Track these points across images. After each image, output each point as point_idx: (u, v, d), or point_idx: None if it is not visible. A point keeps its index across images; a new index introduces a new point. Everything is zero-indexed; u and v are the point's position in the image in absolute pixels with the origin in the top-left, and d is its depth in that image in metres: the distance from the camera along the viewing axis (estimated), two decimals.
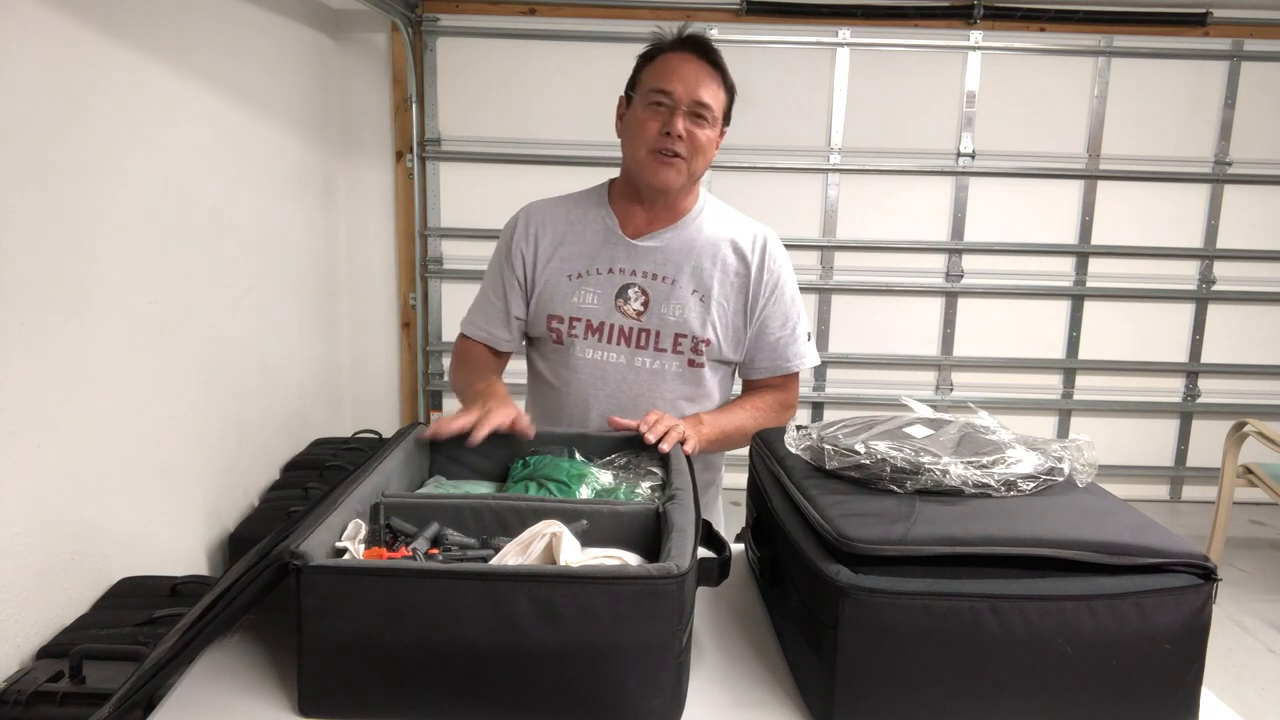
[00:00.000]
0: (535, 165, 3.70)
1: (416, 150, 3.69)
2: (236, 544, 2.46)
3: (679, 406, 1.53)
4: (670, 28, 1.51)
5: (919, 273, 3.86)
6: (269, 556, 0.84)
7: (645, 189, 1.51)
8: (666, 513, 0.99)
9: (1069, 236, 3.85)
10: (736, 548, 1.20)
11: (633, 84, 1.52)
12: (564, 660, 0.80)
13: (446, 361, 3.90)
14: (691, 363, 1.53)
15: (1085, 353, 3.93)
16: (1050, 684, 0.82)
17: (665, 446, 1.27)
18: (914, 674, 0.81)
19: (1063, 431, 3.98)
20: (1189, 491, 4.06)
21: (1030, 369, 3.94)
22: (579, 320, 1.53)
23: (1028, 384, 3.96)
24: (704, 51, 1.47)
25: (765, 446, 1.17)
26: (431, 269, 3.80)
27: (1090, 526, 0.87)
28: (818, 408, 3.91)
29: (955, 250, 3.84)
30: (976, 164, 3.77)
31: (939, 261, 3.86)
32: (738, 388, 1.67)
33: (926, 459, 0.96)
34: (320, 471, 2.80)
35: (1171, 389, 3.99)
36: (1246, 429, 3.19)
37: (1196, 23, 3.66)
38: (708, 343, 1.52)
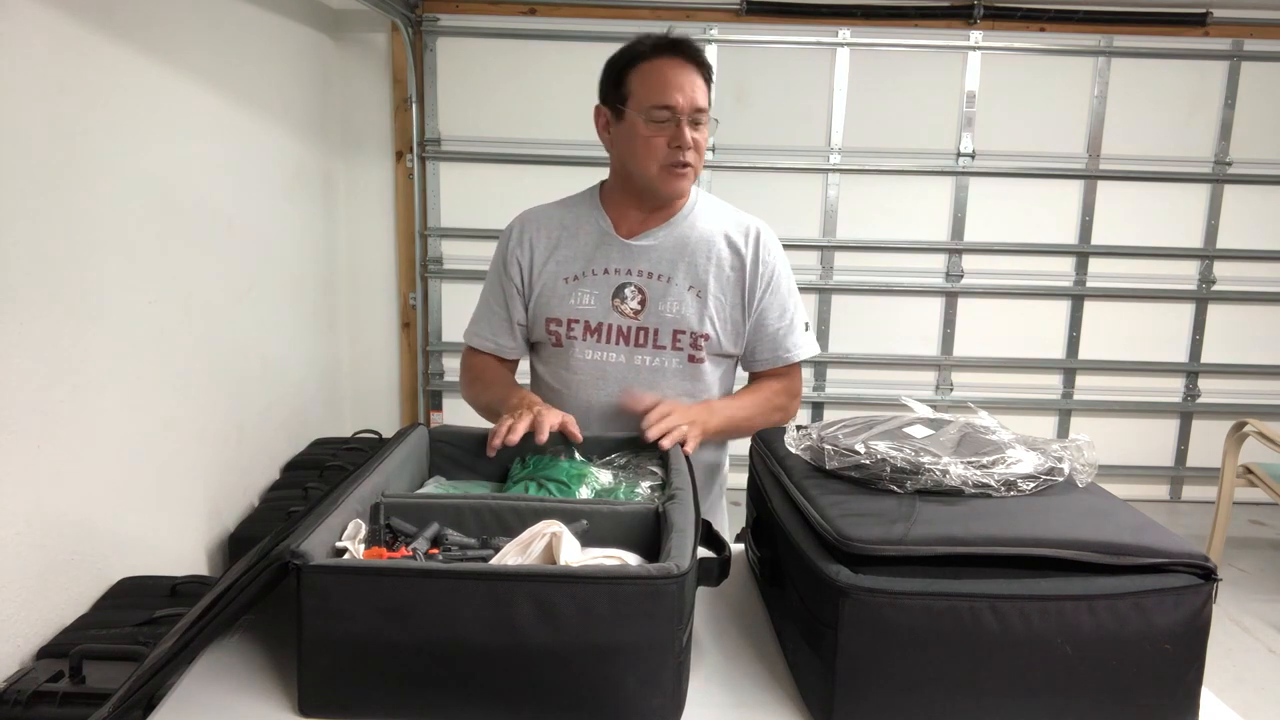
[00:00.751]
0: (535, 165, 3.70)
1: (416, 150, 3.69)
2: (236, 544, 2.46)
3: (679, 402, 1.54)
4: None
5: (919, 273, 3.86)
6: (269, 556, 0.84)
7: (656, 198, 1.52)
8: (666, 513, 0.99)
9: (1069, 236, 3.85)
10: (736, 548, 1.21)
11: (617, 94, 1.49)
12: (564, 660, 0.80)
13: (447, 361, 3.91)
14: (691, 358, 1.53)
15: (1085, 353, 3.93)
16: (1050, 684, 0.82)
17: (667, 444, 1.29)
18: (914, 674, 0.81)
19: (1063, 431, 3.98)
20: (1189, 491, 4.06)
21: (1030, 369, 3.94)
22: (577, 322, 1.53)
23: (1028, 384, 3.96)
24: (691, 53, 1.46)
25: (765, 446, 1.18)
26: (431, 269, 3.80)
27: (1090, 526, 0.87)
28: (818, 408, 3.91)
29: (955, 250, 3.84)
30: (976, 164, 3.77)
31: (939, 261, 3.86)
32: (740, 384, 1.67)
33: (926, 459, 0.96)
34: (320, 471, 2.80)
35: (1171, 389, 3.99)
36: (1246, 429, 3.19)
37: (1196, 23, 3.66)
38: (706, 338, 1.53)
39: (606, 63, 1.52)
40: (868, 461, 0.97)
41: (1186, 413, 4.00)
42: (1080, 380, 3.96)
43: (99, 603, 1.89)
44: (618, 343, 1.53)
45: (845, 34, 3.68)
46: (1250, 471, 3.21)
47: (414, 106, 3.65)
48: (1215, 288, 3.88)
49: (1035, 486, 0.96)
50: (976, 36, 3.68)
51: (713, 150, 3.67)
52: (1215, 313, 3.91)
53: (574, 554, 0.91)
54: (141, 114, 2.09)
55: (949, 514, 0.89)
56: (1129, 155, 3.78)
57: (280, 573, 0.84)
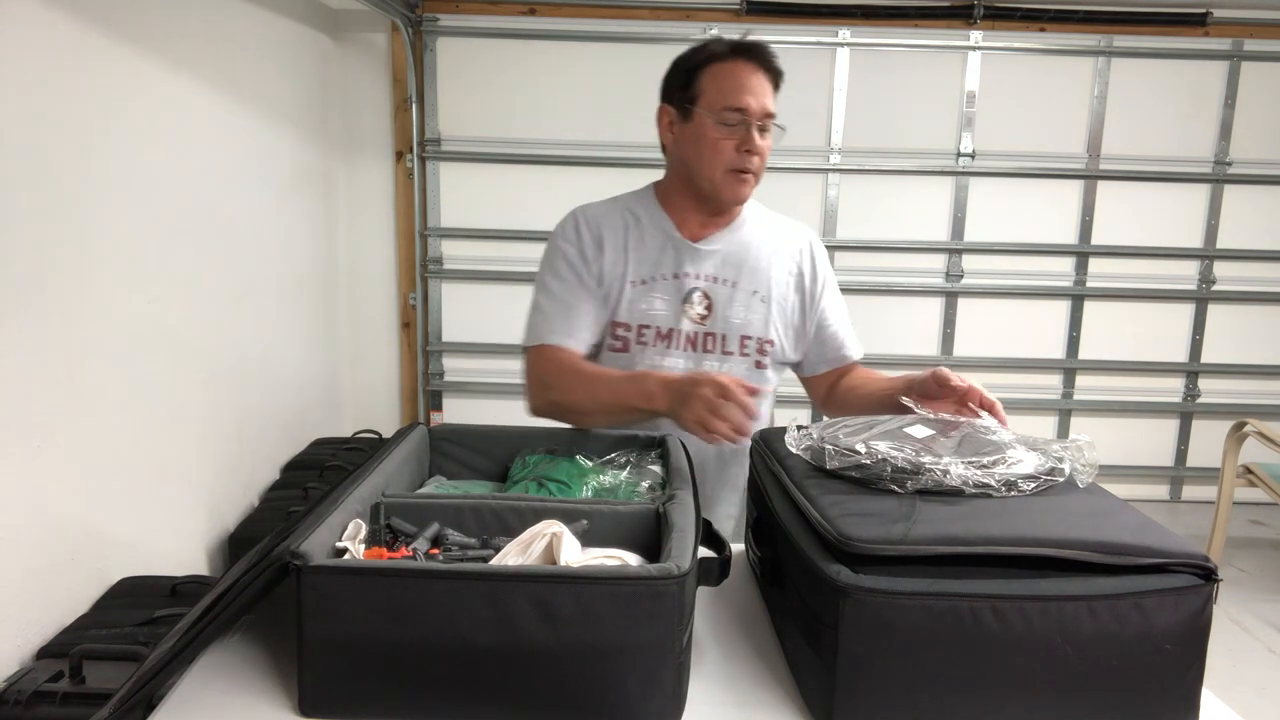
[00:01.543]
0: (535, 165, 3.70)
1: (416, 150, 3.69)
2: (236, 544, 2.46)
3: None
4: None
5: (919, 273, 3.86)
6: (269, 556, 0.84)
7: (717, 203, 1.49)
8: (666, 513, 0.99)
9: (1069, 236, 3.85)
10: (736, 547, 1.20)
11: (686, 94, 1.46)
12: (564, 660, 0.80)
13: (447, 361, 3.90)
14: (757, 364, 1.52)
15: (1085, 353, 3.93)
16: (1050, 684, 0.81)
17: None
18: (914, 674, 0.81)
19: (1063, 431, 3.98)
20: (1189, 491, 4.06)
21: (1030, 369, 3.94)
22: (648, 327, 1.49)
23: (1028, 384, 3.96)
24: (765, 59, 1.44)
25: (765, 446, 1.17)
26: (431, 269, 3.80)
27: (1090, 526, 0.87)
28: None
29: (955, 250, 3.84)
30: (976, 164, 3.77)
31: (939, 261, 3.86)
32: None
33: (927, 459, 0.96)
34: (320, 471, 2.80)
35: (1171, 389, 3.99)
36: (1246, 429, 3.19)
37: (1196, 23, 3.66)
38: (771, 343, 1.52)
39: (675, 61, 1.49)
40: (868, 461, 0.97)
41: (1186, 413, 4.00)
42: (1080, 380, 3.96)
43: (99, 603, 1.89)
44: (685, 349, 1.50)
45: (845, 34, 3.68)
46: (1250, 471, 3.21)
47: (414, 106, 3.65)
48: (1215, 288, 3.88)
49: (1036, 487, 0.96)
50: (976, 36, 3.68)
51: None
52: (1215, 313, 3.91)
53: (574, 554, 0.91)
54: (141, 114, 2.09)
55: (949, 514, 0.89)
56: (1129, 155, 3.78)
57: (280, 573, 0.84)
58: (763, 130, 1.43)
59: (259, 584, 0.85)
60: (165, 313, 2.20)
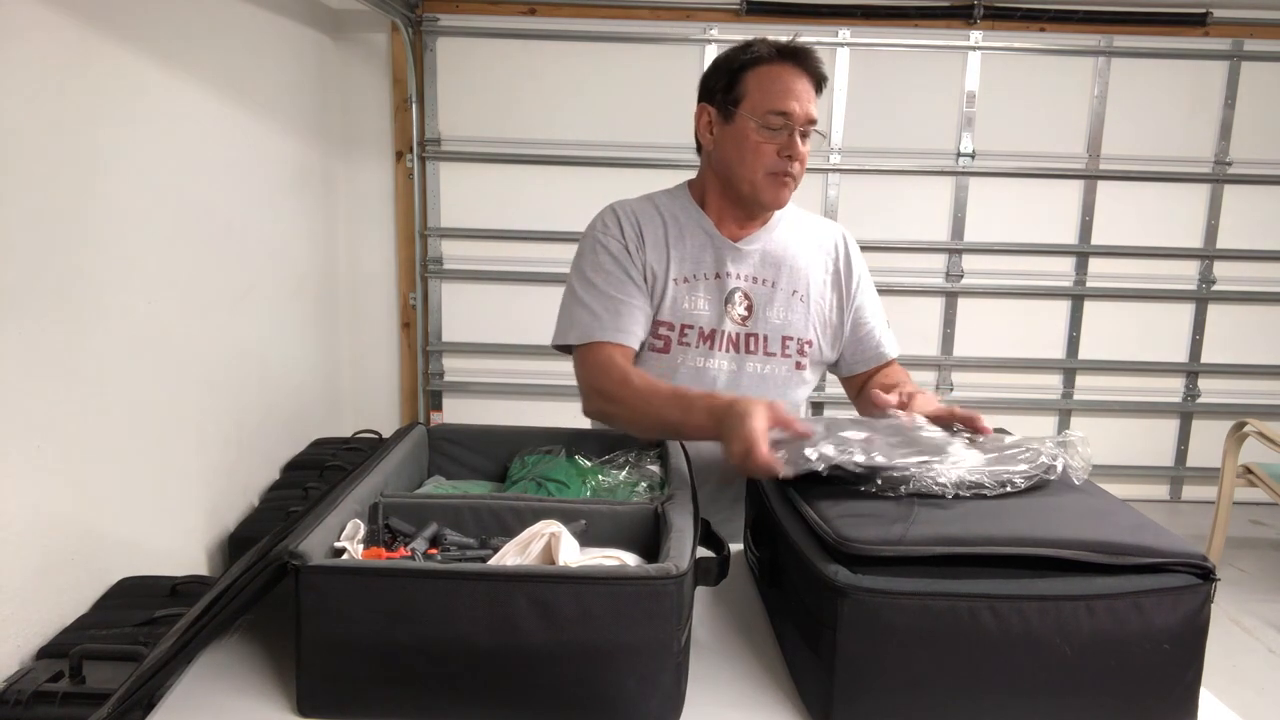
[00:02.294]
0: (535, 165, 3.70)
1: (416, 150, 3.69)
2: (236, 544, 2.46)
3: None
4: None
5: (919, 273, 3.86)
6: (268, 556, 0.84)
7: (756, 205, 1.48)
8: (665, 513, 0.99)
9: (1069, 236, 3.85)
10: (735, 547, 1.20)
11: (729, 95, 1.44)
12: (562, 660, 0.80)
13: (447, 361, 3.91)
14: (798, 365, 1.51)
15: (1085, 353, 3.93)
16: (1049, 684, 0.82)
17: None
18: (912, 674, 0.81)
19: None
20: (1189, 491, 4.06)
21: (1030, 369, 3.94)
22: (691, 328, 1.47)
23: (1028, 384, 3.96)
24: (812, 65, 1.43)
25: None
26: (431, 269, 3.80)
27: (1089, 526, 0.87)
28: (818, 407, 3.91)
29: (955, 250, 3.84)
30: (976, 164, 3.77)
31: (939, 261, 3.86)
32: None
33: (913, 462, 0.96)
34: (320, 471, 2.80)
35: (1171, 389, 3.99)
36: (1246, 429, 3.19)
37: (1196, 23, 3.66)
38: (810, 343, 1.51)
39: (717, 61, 1.47)
40: (858, 471, 0.97)
41: (1186, 413, 4.00)
42: (1080, 380, 3.96)
43: (99, 603, 1.90)
44: (727, 350, 1.48)
45: (845, 34, 3.67)
46: (1250, 471, 3.21)
47: (414, 106, 3.65)
48: (1215, 288, 3.88)
49: (1029, 482, 0.96)
50: (976, 36, 3.68)
51: None
52: (1215, 313, 3.91)
53: (573, 554, 0.91)
54: (141, 114, 2.10)
55: (947, 514, 0.89)
56: (1129, 155, 3.78)
57: (279, 573, 0.84)
58: (804, 136, 1.42)
59: (258, 584, 0.85)
60: (165, 313, 2.20)
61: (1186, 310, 3.91)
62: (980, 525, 0.86)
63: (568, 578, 0.81)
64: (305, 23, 3.25)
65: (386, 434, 2.68)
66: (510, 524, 1.02)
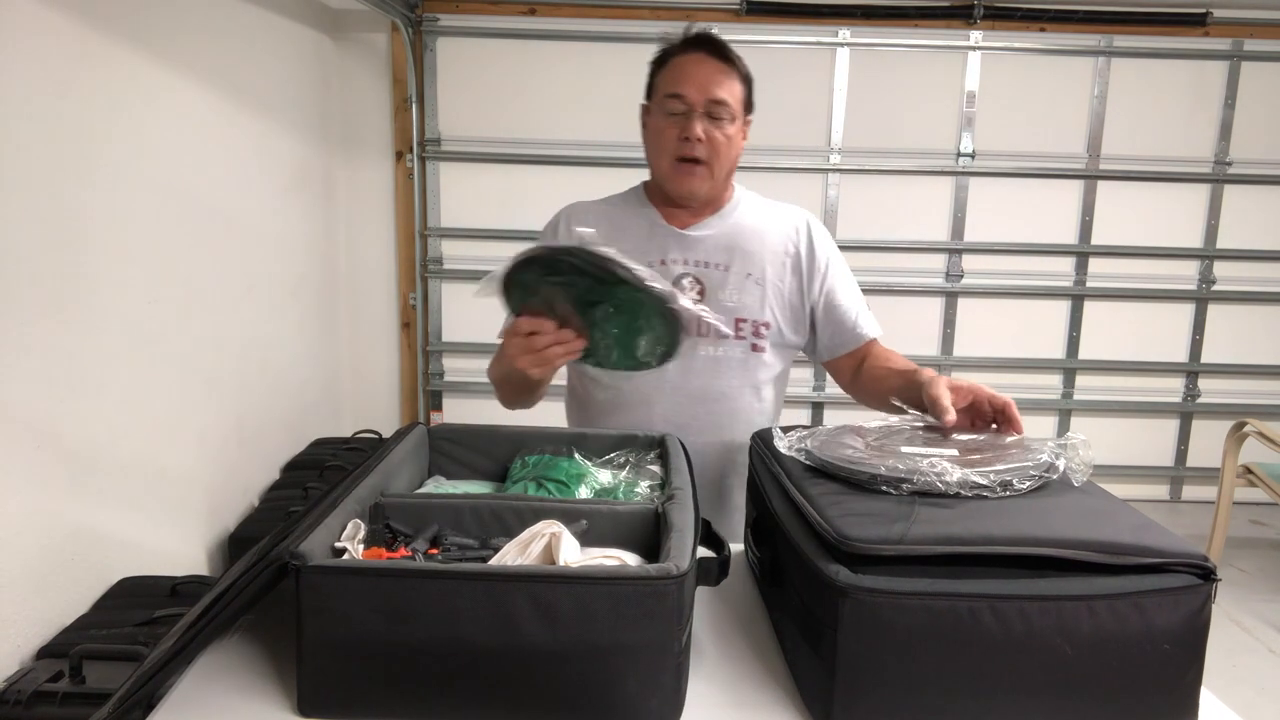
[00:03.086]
0: (535, 165, 3.71)
1: (416, 150, 3.69)
2: (236, 544, 2.47)
3: (742, 394, 1.52)
4: (676, 29, 1.50)
5: (919, 273, 3.86)
6: (268, 557, 0.84)
7: (674, 198, 1.51)
8: (666, 513, 0.99)
9: (1069, 236, 3.85)
10: (736, 547, 1.20)
11: (650, 92, 1.52)
12: (563, 660, 0.80)
13: (447, 361, 3.91)
14: (754, 347, 1.52)
15: (1085, 353, 3.93)
16: (1049, 684, 0.81)
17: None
18: (913, 674, 0.81)
19: (1063, 432, 3.98)
20: (1189, 491, 4.06)
21: (1030, 369, 3.94)
22: None
23: (1028, 384, 3.96)
24: (713, 48, 1.46)
25: (765, 446, 1.17)
26: (431, 269, 3.80)
27: (1090, 526, 0.87)
28: (818, 407, 3.91)
29: (955, 250, 3.84)
30: (976, 164, 3.77)
31: (939, 261, 3.86)
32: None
33: (923, 463, 0.96)
34: (320, 471, 2.80)
35: (1171, 389, 3.99)
36: (1246, 429, 3.19)
37: (1196, 23, 3.66)
38: (767, 325, 1.52)
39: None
40: (859, 469, 0.97)
41: (1186, 413, 4.00)
42: (1080, 380, 3.96)
43: (99, 603, 1.90)
44: None
45: (845, 34, 3.68)
46: (1250, 471, 3.21)
47: (414, 106, 3.65)
48: (1215, 288, 3.88)
49: (1031, 485, 0.96)
50: (976, 36, 3.68)
51: None
52: (1215, 313, 3.91)
53: (573, 554, 0.91)
54: (141, 114, 2.10)
55: (948, 514, 0.89)
56: (1129, 155, 3.78)
57: (279, 573, 0.84)
58: (715, 118, 1.43)
59: (258, 584, 0.85)
60: (165, 312, 2.20)
61: (1186, 310, 3.91)
62: (981, 525, 0.86)
63: (568, 578, 0.81)
64: (305, 23, 3.25)
65: (386, 434, 2.68)
66: (510, 524, 1.01)
